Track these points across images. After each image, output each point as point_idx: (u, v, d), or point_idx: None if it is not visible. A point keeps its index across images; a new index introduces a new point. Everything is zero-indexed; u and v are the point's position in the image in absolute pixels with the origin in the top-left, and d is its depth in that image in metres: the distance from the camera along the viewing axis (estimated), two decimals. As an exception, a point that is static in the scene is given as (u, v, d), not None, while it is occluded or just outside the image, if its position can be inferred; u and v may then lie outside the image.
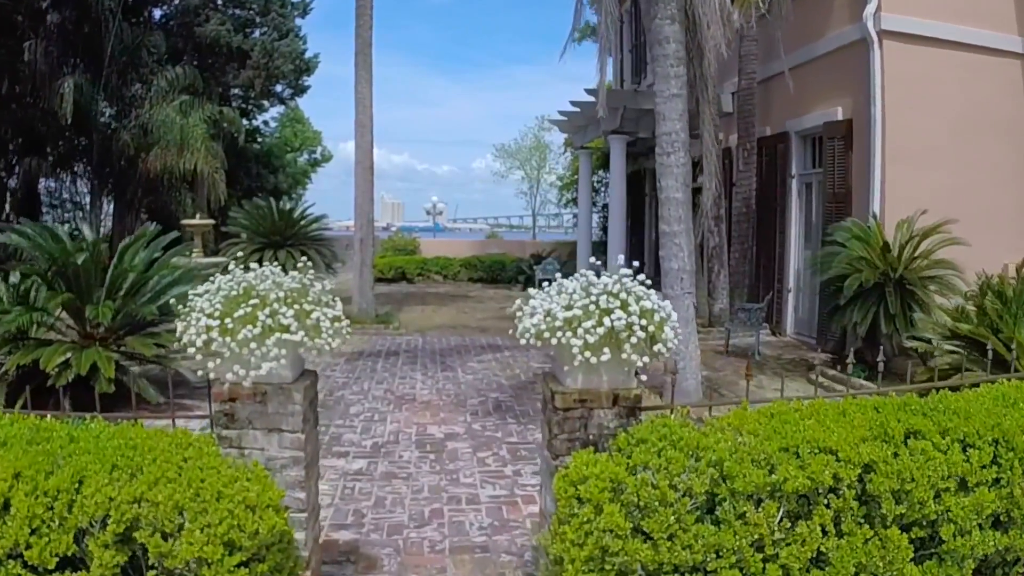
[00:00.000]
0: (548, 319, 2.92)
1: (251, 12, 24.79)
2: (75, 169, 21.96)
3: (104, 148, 19.58)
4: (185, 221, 13.09)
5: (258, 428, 2.85)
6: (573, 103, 13.74)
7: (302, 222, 16.23)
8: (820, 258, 8.56)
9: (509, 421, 6.64)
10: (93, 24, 19.10)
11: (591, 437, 2.90)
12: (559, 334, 2.86)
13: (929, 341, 6.98)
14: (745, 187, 12.09)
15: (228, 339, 2.75)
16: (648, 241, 17.85)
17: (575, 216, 20.97)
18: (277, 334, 2.78)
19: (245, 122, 29.89)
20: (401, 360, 9.44)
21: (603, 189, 18.88)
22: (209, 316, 2.78)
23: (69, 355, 6.59)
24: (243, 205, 17.36)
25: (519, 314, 3.10)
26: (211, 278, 3.11)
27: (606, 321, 2.79)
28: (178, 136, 19.62)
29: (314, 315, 2.93)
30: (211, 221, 13.61)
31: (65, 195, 22.64)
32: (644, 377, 3.03)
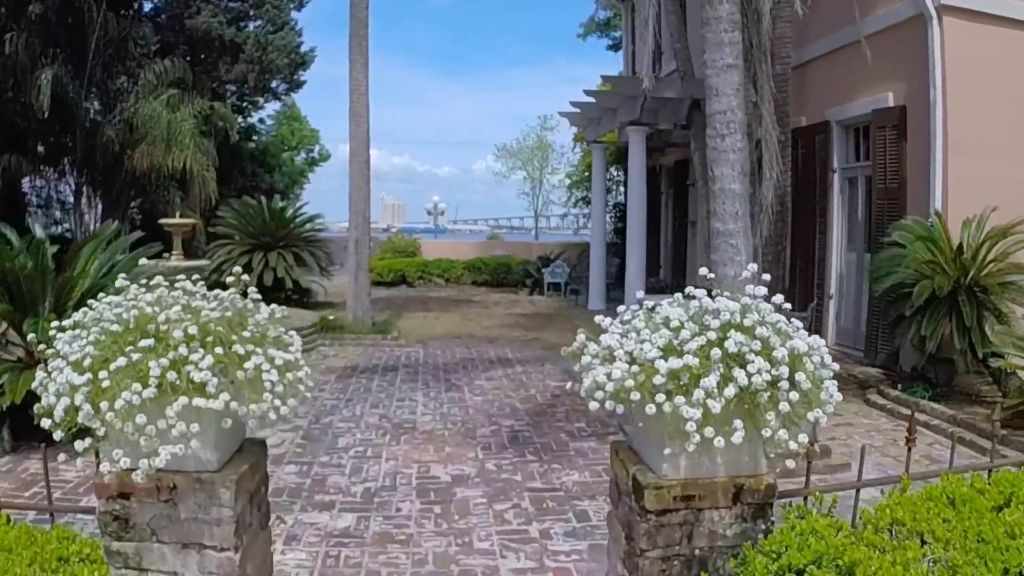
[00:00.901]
0: (637, 369, 1.85)
1: (245, 4, 23.81)
2: (61, 167, 20.92)
3: (88, 144, 18.56)
4: (163, 221, 12.01)
5: (166, 541, 1.79)
6: (587, 92, 12.69)
7: (295, 222, 15.20)
8: (881, 262, 7.47)
9: (529, 458, 5.57)
10: (77, 15, 18.08)
11: (697, 552, 1.84)
12: (660, 396, 1.79)
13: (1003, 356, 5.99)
14: (779, 183, 11.01)
15: (104, 406, 1.68)
16: (664, 243, 16.77)
17: (585, 216, 19.92)
18: (183, 398, 1.72)
19: (240, 119, 28.95)
20: (400, 377, 8.38)
21: (616, 187, 17.81)
22: (75, 367, 1.71)
23: (4, 378, 5.55)
24: (233, 204, 16.34)
25: (585, 359, 2.03)
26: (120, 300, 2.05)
27: (739, 375, 1.73)
28: (164, 132, 18.67)
29: (251, 362, 1.86)
30: (191, 220, 12.57)
31: (53, 195, 21.62)
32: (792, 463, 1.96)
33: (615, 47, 26.38)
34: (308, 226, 15.47)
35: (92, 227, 21.13)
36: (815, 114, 10.55)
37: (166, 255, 10.81)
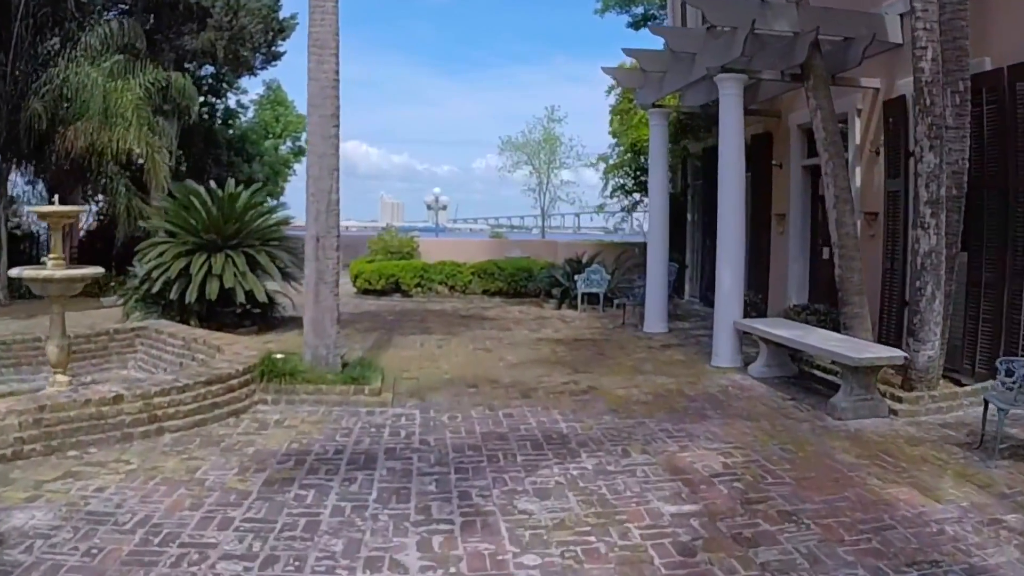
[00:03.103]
0: None
1: (212, -42, 20.08)
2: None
3: (11, 120, 14.85)
4: (32, 208, 8.25)
5: None
6: (655, 31, 9.00)
7: (251, 213, 11.40)
8: None
9: None
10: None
11: None
12: None
13: None
14: (954, 155, 7.23)
15: None
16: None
17: (624, 209, 16.19)
18: None
19: (216, 102, 25.45)
20: (378, 487, 4.61)
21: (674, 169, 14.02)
22: None
23: None
24: (173, 190, 12.58)
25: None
26: None
27: None
28: (100, 104, 14.98)
29: None
30: (75, 208, 8.76)
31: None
32: None
33: (636, 24, 22.77)
34: (274, 220, 11.76)
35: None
36: (1013, 51, 6.83)
37: (45, 259, 7.15)
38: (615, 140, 18.32)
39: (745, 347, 8.45)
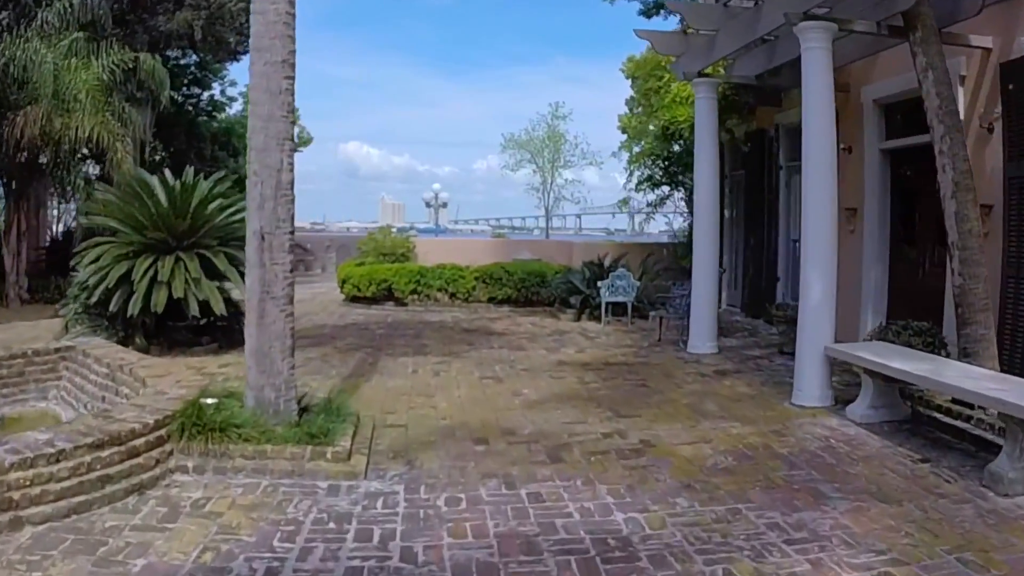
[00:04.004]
0: None
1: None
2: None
3: (-47, 105, 13.00)
4: None
5: None
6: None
7: (211, 207, 9.39)
8: None
9: None
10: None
11: None
12: None
13: None
14: None
15: None
16: (774, 245, 10.96)
17: (650, 204, 14.18)
18: None
19: (200, 93, 23.65)
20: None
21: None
22: None
23: None
24: (119, 181, 10.63)
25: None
26: None
27: None
28: (49, 86, 13.13)
29: None
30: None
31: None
32: None
33: (648, 12, 20.83)
34: (238, 216, 9.78)
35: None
36: None
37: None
38: (625, 135, 16.42)
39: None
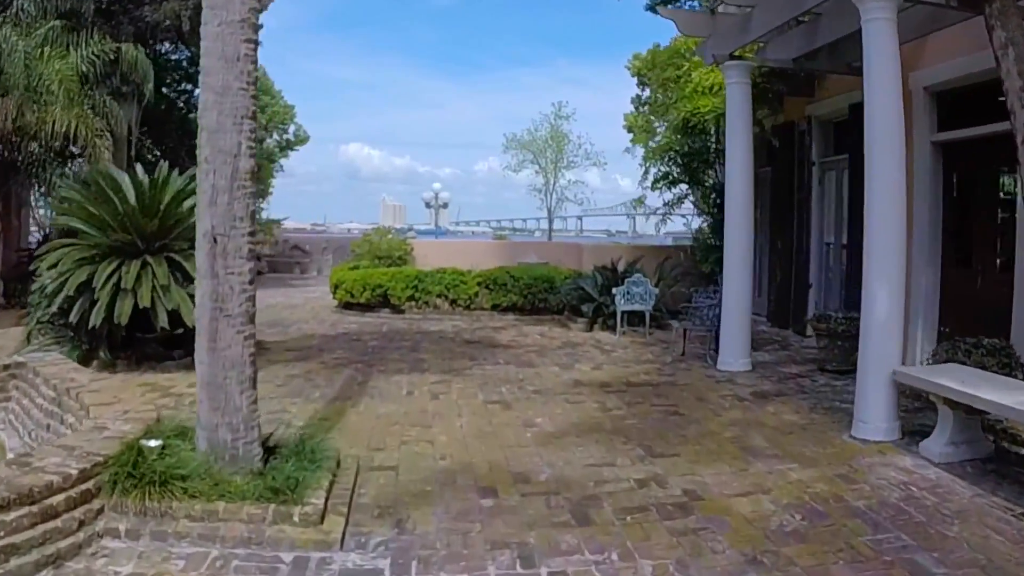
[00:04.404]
0: None
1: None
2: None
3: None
4: None
5: None
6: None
7: (186, 205, 8.42)
8: None
9: None
10: None
11: None
12: None
13: None
14: None
15: None
16: (811, 246, 9.97)
17: (666, 204, 13.21)
18: None
19: (195, 90, 22.77)
20: None
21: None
22: None
23: None
24: (85, 177, 9.69)
25: None
26: None
27: None
28: (21, 77, 12.28)
29: None
30: None
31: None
32: None
33: (653, 7, 20.00)
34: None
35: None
36: None
37: None
38: (631, 135, 15.52)
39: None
